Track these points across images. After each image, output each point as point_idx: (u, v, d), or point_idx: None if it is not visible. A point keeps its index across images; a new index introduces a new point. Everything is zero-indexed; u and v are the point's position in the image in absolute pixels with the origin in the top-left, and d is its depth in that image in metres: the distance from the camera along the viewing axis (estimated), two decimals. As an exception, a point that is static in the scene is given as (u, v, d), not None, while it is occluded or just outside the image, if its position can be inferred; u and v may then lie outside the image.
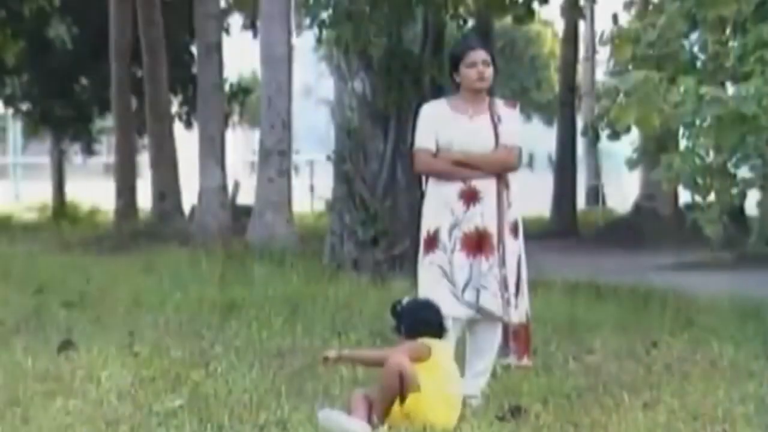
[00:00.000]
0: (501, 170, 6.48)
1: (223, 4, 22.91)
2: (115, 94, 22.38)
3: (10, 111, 27.68)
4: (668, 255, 16.91)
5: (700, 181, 8.86)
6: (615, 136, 9.71)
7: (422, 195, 6.68)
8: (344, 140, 12.86)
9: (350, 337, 8.38)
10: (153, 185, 21.07)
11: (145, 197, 22.19)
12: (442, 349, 5.97)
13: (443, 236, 6.41)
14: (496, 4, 14.60)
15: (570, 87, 23.75)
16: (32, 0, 21.45)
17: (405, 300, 6.22)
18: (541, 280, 11.04)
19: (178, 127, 23.69)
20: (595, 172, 32.71)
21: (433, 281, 6.35)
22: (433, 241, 6.43)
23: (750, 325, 9.23)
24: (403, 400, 5.69)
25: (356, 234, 12.72)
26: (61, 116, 25.80)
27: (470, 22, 15.13)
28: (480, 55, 6.48)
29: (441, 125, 6.49)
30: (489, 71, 6.49)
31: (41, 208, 28.66)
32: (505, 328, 6.53)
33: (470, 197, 6.42)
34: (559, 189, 23.21)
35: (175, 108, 24.39)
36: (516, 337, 6.55)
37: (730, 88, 8.56)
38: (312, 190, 28.16)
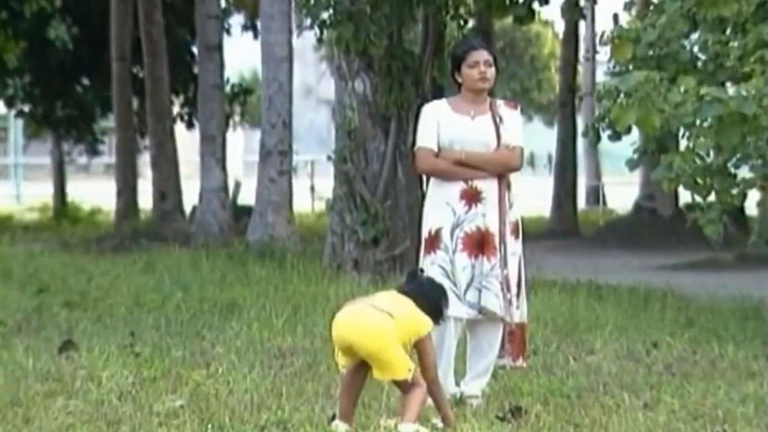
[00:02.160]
0: (503, 170, 6.49)
1: (223, 4, 22.91)
2: (116, 94, 22.40)
3: (12, 112, 27.68)
4: (668, 255, 16.91)
5: (700, 181, 8.85)
6: (616, 136, 9.70)
7: (423, 195, 6.69)
8: (345, 140, 12.86)
9: (351, 337, 8.37)
10: (154, 185, 21.07)
11: (146, 197, 22.20)
12: (390, 299, 5.84)
13: (445, 236, 6.42)
14: (497, 5, 14.59)
15: (570, 87, 23.73)
16: (33, 1, 21.44)
17: (426, 275, 6.11)
18: (542, 280, 11.06)
19: (179, 127, 23.70)
20: (596, 172, 32.73)
21: (435, 281, 6.35)
22: (434, 241, 6.43)
23: (750, 325, 9.24)
24: None
25: (357, 234, 12.73)
26: (63, 117, 25.81)
27: (471, 23, 15.12)
28: (482, 55, 6.49)
29: (443, 125, 6.50)
30: (491, 71, 6.50)
31: (42, 208, 28.67)
32: (503, 329, 6.54)
33: (472, 197, 6.43)
34: (559, 189, 23.20)
35: (176, 108, 24.40)
36: (511, 339, 6.56)
37: (731, 89, 8.55)
38: (312, 190, 28.15)
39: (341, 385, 5.87)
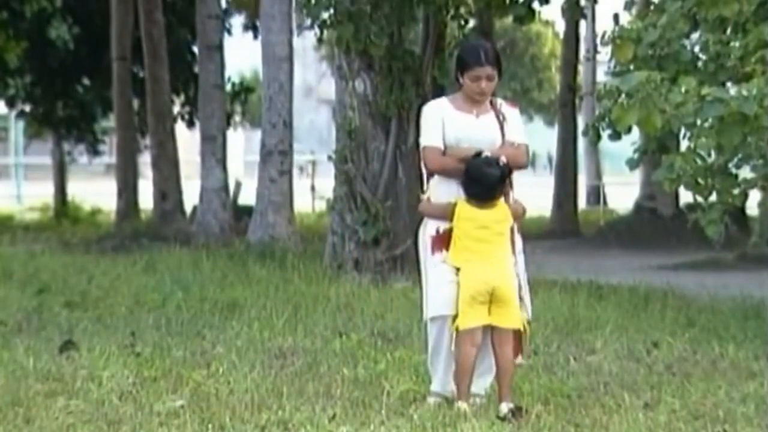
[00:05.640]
0: (512, 167, 6.49)
1: (224, 4, 22.90)
2: (117, 94, 22.41)
3: (12, 112, 27.67)
4: (669, 255, 16.91)
5: (701, 181, 8.85)
6: (616, 136, 9.69)
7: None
8: (345, 140, 12.85)
9: (351, 337, 8.39)
10: (154, 185, 21.07)
11: (146, 197, 22.20)
12: (472, 218, 6.30)
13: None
14: (497, 4, 14.58)
15: (571, 87, 23.73)
16: (34, 0, 21.44)
17: (485, 155, 6.34)
18: (542, 280, 11.05)
19: (179, 127, 23.69)
20: (596, 172, 32.73)
21: (442, 280, 6.34)
22: (443, 239, 6.41)
23: (751, 325, 9.24)
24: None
25: (357, 234, 12.72)
26: (63, 117, 25.82)
27: (471, 23, 15.11)
28: (486, 71, 6.45)
29: (448, 123, 6.49)
30: (491, 85, 6.49)
31: (43, 208, 28.66)
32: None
33: (476, 196, 6.43)
34: (560, 189, 23.20)
35: (176, 108, 24.39)
36: (513, 336, 6.54)
37: (732, 89, 8.54)
38: (313, 190, 28.15)
39: (466, 362, 6.23)
